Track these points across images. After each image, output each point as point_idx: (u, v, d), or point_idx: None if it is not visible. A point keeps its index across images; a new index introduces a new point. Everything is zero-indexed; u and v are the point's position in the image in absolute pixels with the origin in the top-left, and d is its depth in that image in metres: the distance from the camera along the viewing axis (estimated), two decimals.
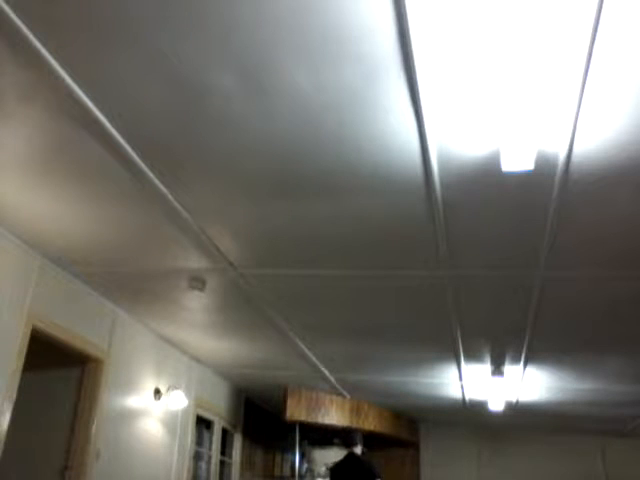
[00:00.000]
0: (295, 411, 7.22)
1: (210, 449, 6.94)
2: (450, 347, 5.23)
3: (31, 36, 2.07)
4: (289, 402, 7.22)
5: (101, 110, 2.46)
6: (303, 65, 2.15)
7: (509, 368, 5.72)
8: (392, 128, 2.46)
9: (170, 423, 5.90)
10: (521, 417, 7.70)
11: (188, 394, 6.11)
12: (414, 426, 8.74)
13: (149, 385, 5.55)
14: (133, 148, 2.71)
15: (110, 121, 2.52)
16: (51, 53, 2.15)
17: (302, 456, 8.12)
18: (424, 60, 2.07)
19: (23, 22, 2.03)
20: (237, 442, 7.65)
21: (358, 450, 5.62)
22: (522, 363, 5.53)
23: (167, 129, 2.57)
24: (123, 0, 1.93)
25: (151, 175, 2.91)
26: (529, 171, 2.60)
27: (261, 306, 4.58)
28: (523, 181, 2.74)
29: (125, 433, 5.13)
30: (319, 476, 8.33)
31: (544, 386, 6.34)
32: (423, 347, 5.42)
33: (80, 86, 2.32)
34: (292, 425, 7.65)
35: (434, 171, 2.72)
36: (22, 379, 3.80)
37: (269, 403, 8.15)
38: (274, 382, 7.05)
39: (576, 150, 2.51)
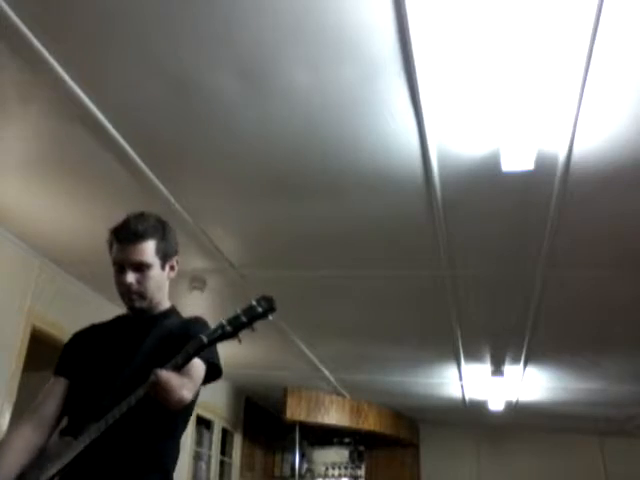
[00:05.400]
0: (295, 411, 7.22)
1: (210, 449, 6.94)
2: (450, 347, 5.23)
3: (31, 36, 2.07)
4: (289, 402, 7.22)
5: (101, 110, 2.46)
6: (303, 65, 2.15)
7: (509, 368, 5.71)
8: (392, 128, 2.46)
9: None
10: (521, 417, 7.69)
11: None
12: (414, 426, 8.73)
13: None
14: (133, 148, 2.71)
15: (110, 121, 2.52)
16: (51, 53, 2.15)
17: (302, 456, 8.12)
18: (424, 60, 2.07)
19: (23, 22, 2.02)
20: (237, 442, 7.65)
21: None
22: (522, 363, 5.53)
23: (167, 129, 2.57)
24: (123, 0, 1.93)
25: (151, 175, 2.91)
26: (529, 171, 2.60)
27: None
28: (523, 181, 2.74)
29: None
30: (319, 476, 8.33)
31: (544, 386, 6.34)
32: (423, 347, 5.41)
33: (80, 86, 2.32)
34: (292, 425, 7.65)
35: (434, 171, 2.72)
36: (22, 379, 3.80)
37: (269, 403, 8.15)
38: (274, 382, 7.05)
39: (576, 150, 2.51)
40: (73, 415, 1.73)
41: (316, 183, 2.91)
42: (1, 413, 3.63)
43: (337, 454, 8.46)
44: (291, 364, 6.21)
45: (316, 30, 1.99)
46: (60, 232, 3.61)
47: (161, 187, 3.00)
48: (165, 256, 1.81)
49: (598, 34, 1.92)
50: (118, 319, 1.91)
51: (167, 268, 1.83)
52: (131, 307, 1.80)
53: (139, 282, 1.76)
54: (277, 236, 3.49)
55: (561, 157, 2.56)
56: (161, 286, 1.83)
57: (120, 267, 1.76)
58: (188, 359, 1.55)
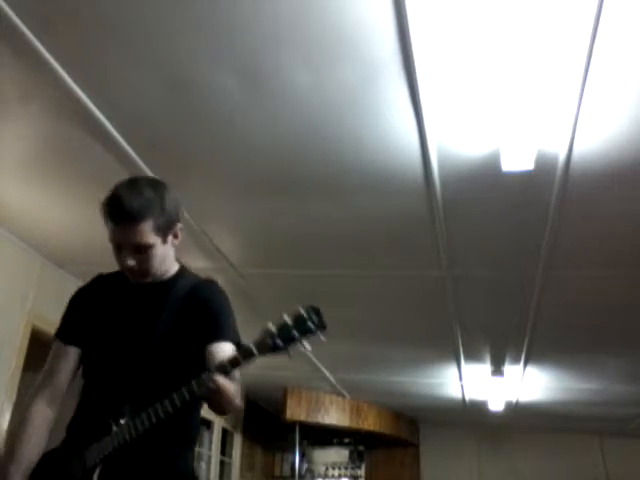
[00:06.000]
0: (295, 411, 7.22)
1: (210, 449, 6.94)
2: (450, 347, 5.23)
3: (31, 36, 2.07)
4: (289, 402, 7.23)
5: (101, 110, 2.46)
6: (303, 65, 2.15)
7: (509, 368, 5.71)
8: (392, 128, 2.46)
9: None
10: (521, 417, 7.69)
11: None
12: (414, 426, 8.74)
13: None
14: (133, 148, 2.71)
15: (110, 121, 2.52)
16: (51, 53, 2.15)
17: (302, 456, 8.12)
18: (424, 60, 2.07)
19: (23, 22, 2.02)
20: (237, 442, 7.65)
21: None
22: (522, 363, 5.53)
23: (167, 129, 2.57)
24: (123, 1, 1.93)
25: (151, 175, 2.91)
26: (529, 171, 2.60)
27: (261, 306, 4.57)
28: (523, 181, 2.74)
29: None
30: (319, 476, 8.33)
31: (544, 386, 6.34)
32: (423, 347, 5.41)
33: (80, 86, 2.32)
34: (292, 425, 7.65)
35: (434, 171, 2.72)
36: (22, 379, 3.80)
37: (269, 403, 8.15)
38: (274, 382, 7.04)
39: (576, 150, 2.51)
40: (97, 389, 1.66)
41: (316, 183, 2.91)
42: (1, 413, 3.63)
43: (337, 454, 8.46)
44: (291, 364, 6.20)
45: (316, 30, 1.99)
46: (60, 232, 3.61)
47: None
48: (166, 230, 1.64)
49: (598, 34, 1.92)
50: (123, 274, 1.74)
51: (170, 238, 1.67)
52: (136, 283, 1.70)
53: (140, 262, 1.62)
54: (277, 236, 3.49)
55: (561, 157, 2.56)
56: (165, 258, 1.68)
57: (118, 247, 1.63)
58: (236, 366, 1.48)
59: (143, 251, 1.61)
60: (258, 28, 2.00)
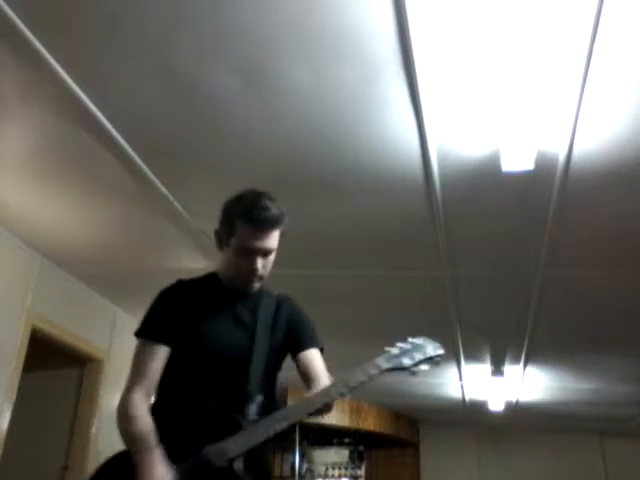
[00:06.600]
0: None
1: None
2: (450, 347, 5.23)
3: (31, 36, 2.07)
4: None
5: (101, 110, 2.46)
6: (303, 65, 2.15)
7: (509, 368, 5.71)
8: (392, 128, 2.46)
9: None
10: (521, 417, 7.69)
11: None
12: (414, 426, 8.74)
13: None
14: (133, 148, 2.71)
15: (110, 121, 2.52)
16: (51, 53, 2.15)
17: (302, 456, 8.11)
18: (424, 60, 2.07)
19: (23, 22, 2.02)
20: None
21: None
22: (522, 363, 5.53)
23: (168, 129, 2.57)
24: (123, 0, 1.93)
25: (151, 175, 2.91)
26: (529, 171, 2.60)
27: None
28: (523, 181, 2.74)
29: None
30: (319, 476, 8.33)
31: (544, 386, 6.34)
32: None
33: (80, 85, 2.32)
34: (292, 425, 7.64)
35: (434, 171, 2.72)
36: (22, 379, 3.80)
37: None
38: None
39: (576, 150, 2.51)
40: (201, 384, 1.70)
41: (316, 183, 2.91)
42: (1, 413, 3.63)
43: (337, 454, 8.46)
44: (292, 364, 6.20)
45: (316, 30, 1.99)
46: (60, 232, 3.61)
47: (160, 186, 3.00)
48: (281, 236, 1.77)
49: (598, 34, 1.92)
50: (209, 281, 1.84)
51: None
52: (247, 288, 1.78)
53: (264, 267, 1.73)
54: None
55: (561, 157, 2.56)
56: None
57: (248, 251, 1.69)
58: (364, 384, 1.65)
59: (269, 254, 1.75)
60: (258, 28, 2.00)
